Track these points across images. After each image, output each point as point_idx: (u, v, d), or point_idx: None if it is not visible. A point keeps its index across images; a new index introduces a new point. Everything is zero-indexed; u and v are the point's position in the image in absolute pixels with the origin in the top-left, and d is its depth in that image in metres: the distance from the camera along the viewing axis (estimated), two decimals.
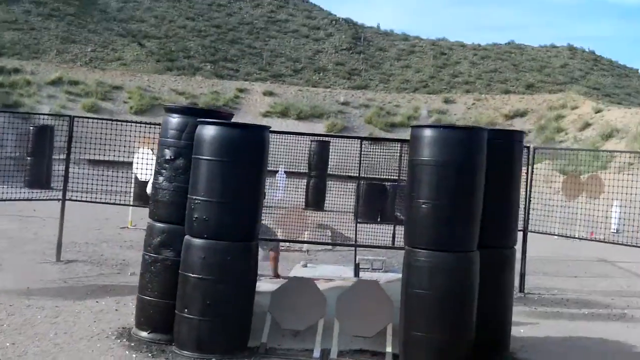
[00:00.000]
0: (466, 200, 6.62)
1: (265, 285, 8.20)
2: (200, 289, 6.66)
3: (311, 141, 23.63)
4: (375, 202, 18.90)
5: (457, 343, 6.65)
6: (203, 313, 6.64)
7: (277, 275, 10.27)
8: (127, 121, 11.36)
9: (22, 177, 19.63)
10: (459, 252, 6.65)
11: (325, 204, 21.83)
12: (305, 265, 11.93)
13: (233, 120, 7.46)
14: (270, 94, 39.04)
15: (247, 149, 6.70)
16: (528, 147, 11.55)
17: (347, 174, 17.90)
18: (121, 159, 13.45)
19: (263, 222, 10.46)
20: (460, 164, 6.58)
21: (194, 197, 6.69)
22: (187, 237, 6.78)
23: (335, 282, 8.68)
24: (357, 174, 11.81)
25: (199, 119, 6.82)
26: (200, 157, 6.68)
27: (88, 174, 12.04)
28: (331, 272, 11.85)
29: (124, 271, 10.52)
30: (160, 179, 7.08)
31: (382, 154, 18.67)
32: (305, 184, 23.20)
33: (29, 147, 23.60)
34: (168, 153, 7.03)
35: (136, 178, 15.05)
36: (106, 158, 12.23)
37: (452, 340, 6.63)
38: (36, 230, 14.06)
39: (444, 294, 6.59)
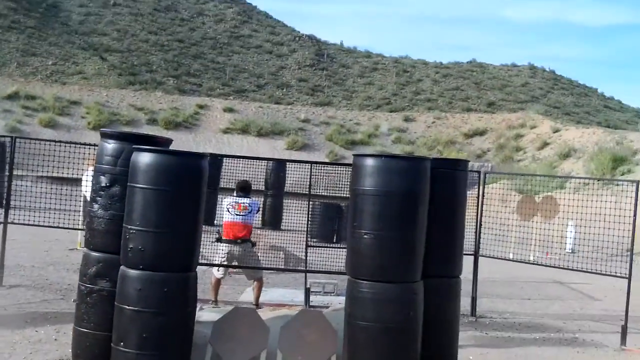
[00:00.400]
0: (409, 231, 6.50)
1: (207, 314, 8.00)
2: (137, 322, 6.42)
3: (267, 160, 23.47)
4: (329, 222, 18.82)
5: None
6: (140, 347, 6.40)
7: (256, 305, 10.15)
8: (69, 142, 11.08)
9: None
10: (402, 282, 6.52)
11: (282, 224, 21.64)
12: (253, 288, 11.77)
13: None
14: (230, 110, 38.81)
15: (184, 177, 6.50)
16: (479, 172, 11.53)
17: (304, 192, 17.78)
18: (75, 176, 13.16)
19: (253, 252, 10.43)
20: (403, 194, 6.47)
21: (129, 226, 6.47)
22: (122, 267, 6.55)
23: (281, 310, 8.51)
24: (307, 199, 11.63)
25: (134, 146, 6.62)
26: (135, 185, 6.47)
27: (42, 192, 11.74)
28: (281, 296, 11.71)
29: (68, 297, 10.22)
30: (96, 206, 6.85)
31: (339, 173, 18.60)
32: (262, 202, 22.98)
33: None
34: (103, 180, 6.81)
35: (84, 198, 14.74)
36: (62, 175, 11.91)
37: None
38: None
39: (388, 326, 6.45)
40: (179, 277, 6.55)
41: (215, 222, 19.34)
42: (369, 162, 6.58)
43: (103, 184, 6.81)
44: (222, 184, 21.47)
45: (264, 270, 11.37)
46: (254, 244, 10.52)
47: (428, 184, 6.63)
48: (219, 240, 10.38)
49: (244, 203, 10.34)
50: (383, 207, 6.45)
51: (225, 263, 10.25)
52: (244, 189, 10.62)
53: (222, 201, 10.69)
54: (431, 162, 6.77)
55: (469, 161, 8.09)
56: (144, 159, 6.46)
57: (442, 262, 6.97)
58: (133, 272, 6.47)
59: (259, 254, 10.85)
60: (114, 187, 6.76)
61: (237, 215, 10.24)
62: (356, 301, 6.56)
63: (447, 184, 6.97)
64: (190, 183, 6.55)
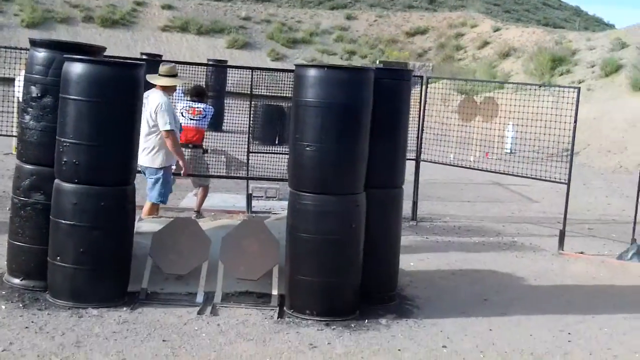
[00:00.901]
0: (351, 143, 6.39)
1: (147, 225, 7.84)
2: (73, 237, 6.27)
3: (208, 59, 22.95)
4: (272, 124, 18.63)
5: (343, 286, 6.54)
6: (77, 261, 6.27)
7: (198, 212, 10.15)
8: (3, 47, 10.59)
9: None
10: (344, 194, 6.46)
11: (223, 125, 21.35)
12: (196, 194, 11.63)
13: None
14: (169, 7, 37.62)
15: (118, 88, 6.24)
16: (422, 77, 11.42)
17: (246, 92, 17.50)
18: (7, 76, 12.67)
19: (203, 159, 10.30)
20: (345, 106, 6.33)
21: (63, 139, 6.23)
22: (57, 181, 6.34)
23: (222, 220, 8.40)
24: (249, 105, 11.41)
25: (65, 55, 6.30)
26: (68, 96, 6.19)
27: None
28: (223, 202, 11.64)
29: (2, 205, 9.94)
30: (27, 117, 6.56)
31: (281, 76, 18.31)
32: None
33: None
34: (34, 90, 6.50)
35: (18, 101, 14.24)
36: None
37: (338, 284, 6.51)
38: None
39: (330, 238, 6.42)
40: (115, 191, 6.38)
41: None
42: (311, 72, 6.40)
43: (34, 95, 6.51)
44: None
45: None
46: (205, 151, 10.45)
47: (371, 95, 6.50)
48: None
49: (198, 108, 10.24)
50: (325, 119, 6.31)
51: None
52: (198, 94, 10.52)
53: (175, 105, 10.51)
54: (374, 72, 6.62)
55: (412, 71, 7.96)
56: (76, 69, 6.17)
57: (384, 173, 6.92)
58: (68, 186, 6.28)
59: (208, 162, 10.72)
60: (46, 97, 6.47)
61: (190, 119, 10.15)
62: (298, 213, 6.49)
63: (390, 95, 6.84)
64: (124, 94, 6.31)
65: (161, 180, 8.75)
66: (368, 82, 6.50)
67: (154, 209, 8.78)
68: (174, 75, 8.96)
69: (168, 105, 8.54)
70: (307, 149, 6.37)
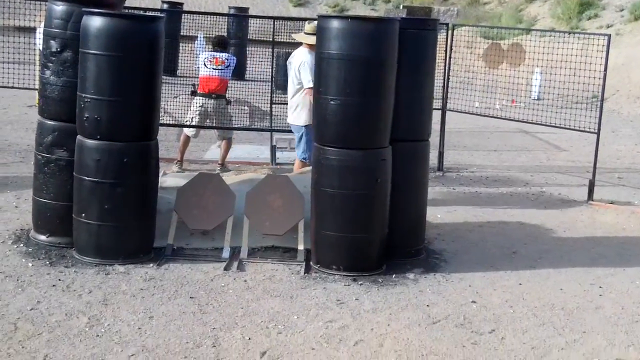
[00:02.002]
0: (376, 96, 6.26)
1: (171, 180, 7.81)
2: (97, 193, 6.22)
3: (229, 7, 22.68)
4: None
5: (369, 241, 6.47)
6: (102, 218, 6.23)
7: (222, 164, 10.08)
8: None
9: None
10: (369, 149, 6.34)
11: (246, 74, 21.18)
12: (220, 146, 11.57)
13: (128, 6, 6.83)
14: None
15: (138, 42, 6.12)
16: (447, 25, 11.17)
17: (268, 38, 17.29)
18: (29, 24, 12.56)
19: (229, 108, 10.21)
20: (370, 58, 6.18)
21: (84, 94, 6.14)
22: (79, 137, 6.27)
23: (246, 174, 8.34)
24: (272, 54, 11.25)
25: (84, 9, 6.18)
26: (87, 51, 6.08)
27: None
28: (247, 153, 11.56)
29: (27, 159, 9.89)
30: (48, 72, 6.47)
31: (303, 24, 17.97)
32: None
33: None
34: (54, 45, 6.39)
35: (40, 52, 14.15)
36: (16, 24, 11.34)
37: (364, 239, 6.44)
38: None
39: (355, 193, 6.33)
40: (138, 147, 6.32)
41: (178, 73, 19.06)
42: (334, 24, 6.24)
43: (54, 49, 6.41)
44: (182, 32, 20.92)
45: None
46: (228, 102, 10.36)
47: (396, 47, 6.34)
48: (193, 93, 10.22)
49: (221, 58, 10.09)
50: (349, 72, 6.17)
51: (198, 118, 10.05)
52: (220, 44, 10.39)
53: (198, 55, 10.40)
54: (399, 22, 6.44)
55: (438, 20, 7.75)
56: (95, 23, 6.06)
57: (411, 126, 6.77)
58: (90, 142, 6.21)
59: (231, 113, 10.62)
60: (66, 52, 6.37)
61: (214, 69, 10.02)
62: (323, 168, 6.39)
63: (415, 45, 6.66)
64: (145, 48, 6.21)
65: (305, 137, 8.55)
66: (393, 33, 6.34)
67: (302, 165, 8.63)
68: None
69: (311, 63, 8.31)
70: (331, 102, 6.25)
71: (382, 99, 6.31)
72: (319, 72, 6.33)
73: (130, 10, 10.01)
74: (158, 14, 11.90)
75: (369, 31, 6.22)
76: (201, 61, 10.14)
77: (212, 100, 9.99)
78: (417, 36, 6.74)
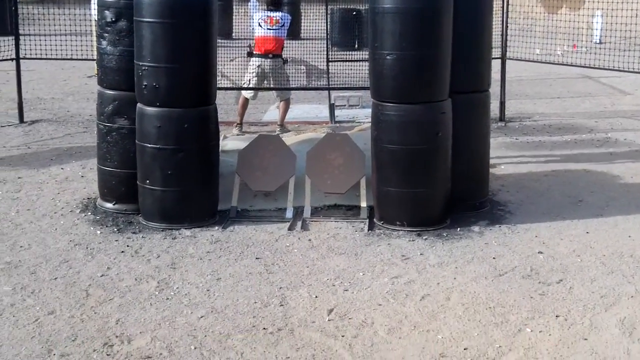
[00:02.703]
0: (433, 48, 6.17)
1: (232, 143, 7.88)
2: (159, 159, 6.29)
3: None
4: (350, 29, 18.30)
5: (432, 195, 6.43)
6: (165, 183, 6.31)
7: (282, 125, 10.07)
8: None
9: None
10: (428, 102, 6.27)
11: (301, 32, 21.09)
12: (278, 107, 11.59)
13: None
14: None
15: (192, 7, 6.12)
16: None
17: None
18: None
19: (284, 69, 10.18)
20: (425, 10, 6.09)
21: (140, 63, 6.19)
22: (139, 105, 6.34)
23: (305, 134, 8.34)
24: (325, 11, 11.14)
25: None
26: (142, 19, 6.11)
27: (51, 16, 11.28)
28: (305, 113, 11.55)
29: (90, 129, 10.07)
30: (104, 43, 6.53)
31: None
32: None
33: None
34: (108, 15, 6.44)
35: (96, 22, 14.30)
36: None
37: (427, 194, 6.40)
38: None
39: (416, 148, 6.28)
40: (197, 112, 6.37)
41: (233, 35, 19.07)
42: None
43: (109, 19, 6.47)
44: None
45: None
46: (285, 61, 10.29)
47: None
48: (250, 54, 10.20)
49: (275, 17, 10.00)
50: (404, 25, 6.08)
51: (256, 79, 10.03)
52: (274, 2, 10.26)
53: (252, 16, 10.35)
54: None
55: None
56: None
57: (470, 77, 6.67)
58: (150, 110, 6.28)
59: (288, 72, 10.56)
60: (120, 21, 6.42)
61: (269, 29, 9.95)
62: (382, 124, 6.35)
63: None
64: (198, 14, 6.20)
65: None
66: None
67: None
68: None
69: None
70: (387, 57, 6.18)
71: (438, 51, 6.21)
72: (374, 27, 6.26)
73: None
74: None
75: None
76: (256, 21, 10.10)
77: (269, 60, 9.97)
78: None
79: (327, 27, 11.60)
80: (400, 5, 6.08)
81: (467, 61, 6.60)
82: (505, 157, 8.76)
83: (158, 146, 6.26)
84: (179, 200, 6.36)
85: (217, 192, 6.64)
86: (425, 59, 6.19)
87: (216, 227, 6.36)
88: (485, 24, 6.80)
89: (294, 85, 11.52)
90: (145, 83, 6.20)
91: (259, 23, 9.99)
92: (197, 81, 6.32)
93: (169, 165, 6.28)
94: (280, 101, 10.25)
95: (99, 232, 6.28)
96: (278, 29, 9.99)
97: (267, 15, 10.01)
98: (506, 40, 10.88)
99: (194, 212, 6.41)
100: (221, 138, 7.77)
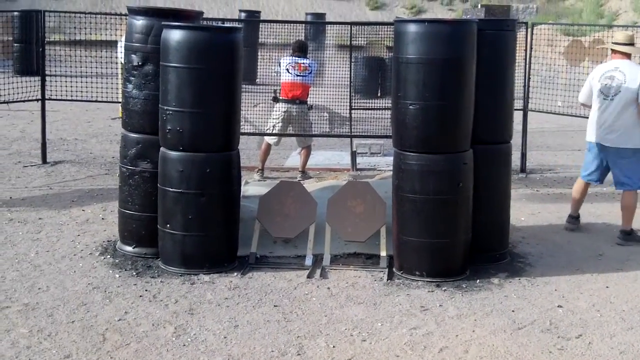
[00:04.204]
0: (456, 99, 6.20)
1: (253, 188, 7.90)
2: (181, 204, 6.33)
3: (306, 14, 22.80)
4: (373, 77, 18.40)
5: (452, 246, 6.41)
6: (186, 228, 6.34)
7: (303, 171, 10.14)
8: (99, 13, 10.75)
9: (11, 64, 18.97)
10: (450, 152, 6.29)
11: (325, 79, 21.24)
12: (300, 153, 11.63)
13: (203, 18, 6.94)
14: None
15: (217, 53, 6.21)
16: (526, 23, 10.99)
17: (346, 44, 17.28)
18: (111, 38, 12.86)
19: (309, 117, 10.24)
20: (448, 61, 6.13)
21: (165, 107, 6.26)
22: (162, 149, 6.40)
23: (327, 181, 8.37)
24: (349, 61, 11.21)
25: (163, 22, 6.30)
26: (168, 64, 6.19)
27: (78, 58, 11.43)
28: (327, 160, 11.58)
29: (112, 171, 10.15)
30: (130, 86, 6.62)
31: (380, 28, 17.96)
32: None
33: (15, 32, 22.62)
34: (135, 59, 6.54)
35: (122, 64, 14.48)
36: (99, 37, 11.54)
37: (447, 244, 6.38)
38: (24, 126, 13.61)
39: (437, 198, 6.27)
40: (220, 157, 6.41)
41: (257, 81, 19.24)
42: (411, 28, 6.21)
43: (135, 63, 6.56)
44: (260, 39, 21.11)
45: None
46: (310, 107, 10.36)
47: (474, 49, 6.26)
48: (275, 100, 10.26)
49: (304, 63, 10.12)
50: (427, 76, 6.13)
51: (280, 124, 10.11)
52: (301, 48, 10.38)
53: (280, 61, 10.45)
54: (477, 24, 6.37)
55: (516, 20, 7.62)
56: (175, 36, 6.17)
57: (492, 128, 6.69)
58: (173, 154, 6.32)
59: (311, 119, 10.62)
60: (147, 65, 6.51)
61: (297, 75, 10.05)
62: (403, 173, 6.36)
63: (494, 46, 6.57)
64: (224, 59, 6.29)
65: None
66: (471, 35, 6.26)
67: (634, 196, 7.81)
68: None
69: None
70: (410, 107, 6.21)
71: (461, 102, 6.24)
72: (397, 76, 6.30)
73: (208, 22, 10.17)
74: (236, 24, 12.04)
75: (446, 34, 6.18)
76: (283, 67, 10.18)
77: (296, 106, 10.04)
78: (495, 37, 6.66)
79: (350, 75, 11.64)
80: (424, 55, 6.13)
81: (490, 112, 6.63)
82: (526, 209, 8.73)
83: (180, 190, 6.30)
84: (199, 245, 6.37)
85: (237, 237, 6.65)
86: (448, 109, 6.22)
87: (235, 273, 6.35)
88: (507, 75, 6.83)
89: (316, 132, 11.60)
90: (169, 127, 6.26)
91: (287, 69, 10.07)
92: (220, 126, 6.38)
93: (190, 210, 6.30)
94: (302, 148, 10.29)
95: (117, 275, 6.30)
96: (305, 75, 10.07)
97: (296, 62, 10.10)
98: (528, 91, 10.90)
99: (214, 258, 6.42)
100: (243, 183, 7.82)
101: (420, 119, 6.22)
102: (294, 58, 10.21)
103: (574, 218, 8.08)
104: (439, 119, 6.21)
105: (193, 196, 6.30)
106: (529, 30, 10.80)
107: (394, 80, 6.42)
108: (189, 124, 6.25)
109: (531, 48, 10.83)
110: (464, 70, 6.22)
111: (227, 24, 10.55)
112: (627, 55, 7.68)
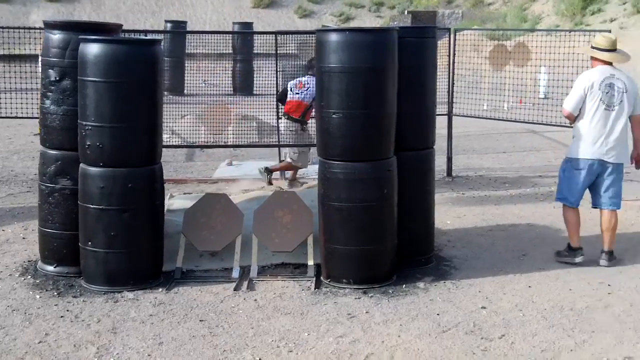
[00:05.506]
0: (379, 107, 6.25)
1: (178, 202, 7.83)
2: (103, 221, 6.22)
3: (234, 23, 22.72)
4: None
5: (378, 253, 6.46)
6: (109, 245, 6.23)
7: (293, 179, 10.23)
8: (16, 28, 10.54)
9: None
10: (374, 160, 6.33)
11: (254, 88, 21.16)
12: (230, 164, 11.64)
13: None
14: None
15: (137, 66, 6.13)
16: (449, 29, 11.17)
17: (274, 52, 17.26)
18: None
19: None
20: (370, 69, 6.18)
21: (84, 122, 6.15)
22: (82, 165, 6.28)
23: (253, 192, 8.34)
24: (275, 69, 11.22)
25: (80, 36, 6.20)
26: (86, 78, 6.09)
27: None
28: (257, 170, 11.50)
29: (34, 189, 9.76)
30: (47, 102, 6.48)
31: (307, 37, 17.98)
32: (231, 68, 22.33)
33: None
34: (52, 74, 6.41)
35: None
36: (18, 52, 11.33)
37: (373, 251, 6.42)
38: None
39: (362, 205, 6.31)
40: (142, 171, 6.32)
41: (185, 92, 19.06)
42: (333, 37, 6.24)
43: (52, 78, 6.43)
44: (188, 50, 20.94)
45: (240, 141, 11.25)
46: (303, 124, 10.02)
47: (396, 57, 6.33)
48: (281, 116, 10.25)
49: (303, 81, 9.95)
50: (350, 85, 6.17)
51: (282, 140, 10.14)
52: (308, 67, 10.17)
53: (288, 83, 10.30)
54: (398, 32, 6.44)
55: (436, 27, 7.73)
56: (92, 50, 6.07)
57: (414, 135, 6.77)
58: (94, 170, 6.22)
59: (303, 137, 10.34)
60: (64, 80, 6.39)
61: (295, 93, 9.92)
62: (329, 182, 6.38)
63: (415, 54, 6.66)
64: (143, 72, 6.20)
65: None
66: (392, 44, 6.32)
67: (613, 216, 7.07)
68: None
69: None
70: (334, 116, 6.24)
71: (384, 110, 6.29)
72: (320, 86, 6.33)
73: (131, 34, 10.05)
74: (160, 35, 11.90)
75: (367, 42, 6.23)
76: (289, 87, 10.06)
77: (285, 122, 10.01)
78: (416, 44, 6.75)
79: (277, 84, 11.64)
80: (346, 64, 6.16)
81: (412, 119, 6.70)
82: (452, 212, 8.84)
83: (101, 207, 6.19)
84: (122, 262, 6.26)
85: (161, 253, 6.57)
86: (371, 117, 6.26)
87: (160, 289, 6.28)
88: (428, 82, 6.91)
89: (244, 143, 11.57)
90: (88, 143, 6.15)
91: (291, 88, 10.00)
92: (141, 140, 6.29)
93: (113, 227, 6.20)
94: (290, 159, 10.16)
95: (38, 296, 6.15)
96: (301, 92, 9.86)
97: (299, 80, 10.03)
98: (452, 96, 11.06)
99: (138, 274, 6.31)
100: (167, 197, 7.75)
101: (344, 128, 6.25)
102: (302, 77, 10.07)
103: (578, 249, 7.01)
104: (362, 128, 6.25)
105: (115, 212, 6.20)
106: (452, 36, 10.95)
107: (317, 90, 6.45)
108: (109, 139, 6.15)
109: (454, 54, 11.00)
110: (386, 78, 6.27)
111: (148, 36, 10.41)
112: (610, 63, 6.92)
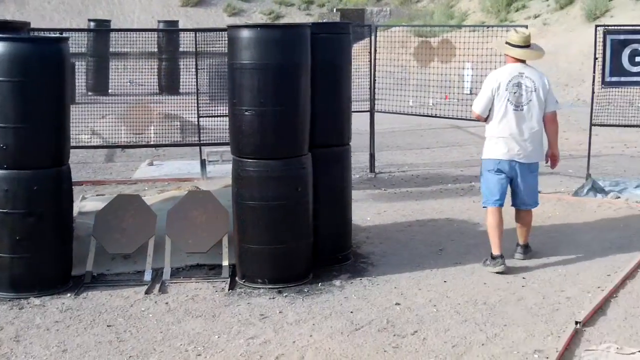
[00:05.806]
0: (292, 103, 6.18)
1: (91, 204, 7.64)
2: (7, 225, 6.00)
3: (158, 22, 22.43)
4: (223, 84, 18.24)
5: (293, 251, 6.38)
6: (14, 250, 6.01)
7: None
8: None
9: None
10: (288, 157, 6.26)
11: (180, 86, 20.90)
12: (151, 164, 11.46)
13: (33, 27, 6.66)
14: None
15: (42, 64, 5.93)
16: (370, 26, 11.18)
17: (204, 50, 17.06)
18: None
19: None
20: (283, 66, 6.10)
21: None
22: None
23: (168, 193, 8.19)
24: (195, 67, 11.08)
25: None
26: None
27: None
28: (178, 169, 11.37)
29: None
30: None
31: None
32: (157, 67, 22.01)
33: None
34: None
35: None
36: None
37: (288, 249, 6.34)
38: None
39: (276, 204, 6.23)
40: (48, 173, 6.12)
41: (110, 91, 18.75)
42: (245, 34, 6.15)
43: None
44: (112, 49, 20.57)
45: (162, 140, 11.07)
46: None
47: (309, 53, 6.27)
48: None
49: None
50: (262, 81, 6.08)
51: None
52: None
53: None
54: (310, 28, 6.38)
55: (350, 23, 7.69)
56: None
57: (329, 132, 6.72)
58: None
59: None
60: None
61: None
62: (243, 180, 6.29)
63: (329, 50, 6.61)
64: (48, 71, 6.01)
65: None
66: (304, 40, 6.26)
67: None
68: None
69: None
70: (246, 113, 6.15)
71: (297, 106, 6.23)
72: (232, 82, 6.23)
73: (47, 32, 9.79)
74: (77, 34, 11.61)
75: (279, 38, 6.16)
76: None
77: None
78: (330, 40, 6.70)
79: (197, 82, 11.49)
80: (258, 61, 6.07)
81: (327, 116, 6.66)
82: (372, 209, 8.83)
83: (5, 211, 5.98)
84: (28, 267, 6.05)
85: (70, 257, 6.38)
86: (284, 114, 6.19)
87: (68, 294, 6.09)
88: (343, 78, 6.86)
89: (166, 142, 11.39)
90: None
91: None
92: (47, 141, 6.08)
93: (18, 231, 6.00)
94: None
95: None
96: None
97: None
98: (374, 93, 11.07)
99: (45, 279, 6.11)
100: (79, 199, 7.56)
101: (256, 125, 6.17)
102: None
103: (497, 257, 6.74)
104: (275, 125, 6.17)
105: (20, 216, 6.00)
106: (373, 33, 10.97)
107: (229, 87, 6.34)
108: (14, 140, 5.94)
109: (376, 51, 11.01)
110: (299, 75, 6.21)
111: (57, 34, 10.14)
112: (523, 60, 6.82)
